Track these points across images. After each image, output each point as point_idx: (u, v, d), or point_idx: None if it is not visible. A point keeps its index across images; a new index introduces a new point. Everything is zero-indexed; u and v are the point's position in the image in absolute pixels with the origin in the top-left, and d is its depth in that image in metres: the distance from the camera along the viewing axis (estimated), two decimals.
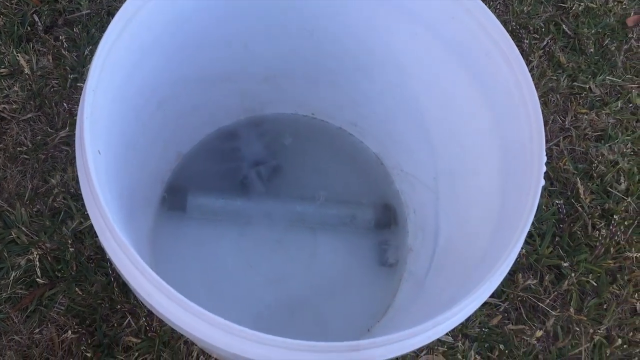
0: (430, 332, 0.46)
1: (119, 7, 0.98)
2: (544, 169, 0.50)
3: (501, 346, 0.86)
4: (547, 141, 0.98)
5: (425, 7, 0.59)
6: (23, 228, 0.85)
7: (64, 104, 0.93)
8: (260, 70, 0.78)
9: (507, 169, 0.58)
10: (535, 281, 0.89)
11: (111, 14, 1.00)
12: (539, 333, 0.87)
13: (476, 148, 0.64)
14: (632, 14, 1.09)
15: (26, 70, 0.95)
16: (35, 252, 0.83)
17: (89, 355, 0.79)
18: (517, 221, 0.49)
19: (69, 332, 0.80)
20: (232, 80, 0.78)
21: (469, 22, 0.58)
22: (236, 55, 0.73)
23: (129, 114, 0.66)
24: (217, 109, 0.81)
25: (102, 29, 0.99)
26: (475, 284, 0.50)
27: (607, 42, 1.06)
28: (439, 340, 0.85)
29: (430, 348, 0.85)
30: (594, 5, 1.09)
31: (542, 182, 0.51)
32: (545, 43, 1.05)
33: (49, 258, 0.84)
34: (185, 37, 0.66)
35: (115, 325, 0.82)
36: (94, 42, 0.98)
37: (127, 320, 0.82)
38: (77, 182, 0.86)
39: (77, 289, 0.83)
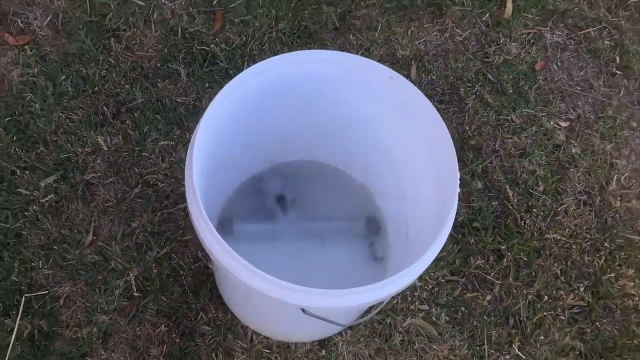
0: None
1: (166, 95, 1.36)
2: (458, 189, 0.87)
3: (463, 309, 1.21)
4: (483, 160, 1.35)
5: (389, 92, 0.97)
6: (118, 259, 1.21)
7: (135, 169, 1.29)
8: (281, 134, 1.15)
9: (440, 187, 0.95)
10: (482, 261, 1.25)
11: (159, 100, 1.37)
12: (489, 297, 1.23)
13: (423, 175, 1.01)
14: (539, 60, 1.48)
15: (104, 147, 1.31)
16: (131, 274, 1.18)
17: (177, 340, 1.15)
18: (445, 219, 0.86)
19: (162, 326, 1.15)
20: (262, 143, 1.14)
21: (412, 100, 0.95)
22: (266, 128, 1.10)
23: (202, 180, 1.02)
24: (251, 163, 1.18)
25: (155, 112, 1.35)
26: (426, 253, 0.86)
27: (521, 83, 1.45)
28: (418, 308, 1.21)
29: (413, 314, 1.20)
30: (510, 57, 1.47)
31: (457, 197, 0.87)
32: (476, 89, 1.43)
33: (140, 278, 1.19)
34: (235, 127, 1.02)
35: (193, 319, 1.17)
36: (150, 122, 1.34)
37: (200, 315, 1.17)
38: (153, 224, 1.22)
39: (162, 297, 1.18)
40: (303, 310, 0.84)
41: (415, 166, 1.03)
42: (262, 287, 0.80)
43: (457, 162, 0.90)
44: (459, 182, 0.89)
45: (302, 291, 0.80)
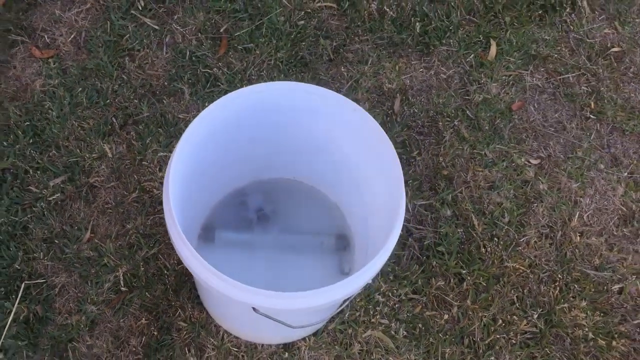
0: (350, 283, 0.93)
1: (169, 111, 1.49)
2: (403, 209, 0.98)
3: (421, 325, 1.31)
4: (453, 190, 1.45)
5: (353, 122, 1.08)
6: (111, 256, 1.34)
7: (135, 176, 1.43)
8: (262, 153, 1.27)
9: (390, 206, 1.06)
10: (444, 283, 1.35)
11: (163, 115, 1.51)
12: (447, 317, 1.32)
13: (379, 195, 1.12)
14: (517, 101, 1.58)
15: (109, 155, 1.45)
16: (120, 271, 1.31)
17: (155, 333, 1.27)
18: (394, 225, 0.96)
19: (143, 319, 1.28)
20: (245, 161, 1.26)
21: (371, 129, 1.07)
22: (248, 147, 1.22)
23: (184, 193, 1.15)
24: (234, 177, 1.31)
25: (158, 125, 1.49)
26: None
27: (497, 121, 1.55)
28: (379, 322, 1.30)
29: (374, 327, 1.30)
30: (490, 96, 1.58)
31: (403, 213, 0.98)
32: (454, 124, 1.53)
33: (128, 274, 1.32)
34: (216, 147, 1.14)
35: (171, 315, 1.29)
36: (152, 134, 1.48)
37: (178, 312, 1.29)
38: (145, 227, 1.35)
39: (146, 293, 1.30)
40: (254, 309, 0.95)
41: (374, 187, 1.14)
42: (218, 285, 0.91)
43: (403, 184, 1.00)
44: (404, 202, 0.99)
45: (250, 291, 0.91)
